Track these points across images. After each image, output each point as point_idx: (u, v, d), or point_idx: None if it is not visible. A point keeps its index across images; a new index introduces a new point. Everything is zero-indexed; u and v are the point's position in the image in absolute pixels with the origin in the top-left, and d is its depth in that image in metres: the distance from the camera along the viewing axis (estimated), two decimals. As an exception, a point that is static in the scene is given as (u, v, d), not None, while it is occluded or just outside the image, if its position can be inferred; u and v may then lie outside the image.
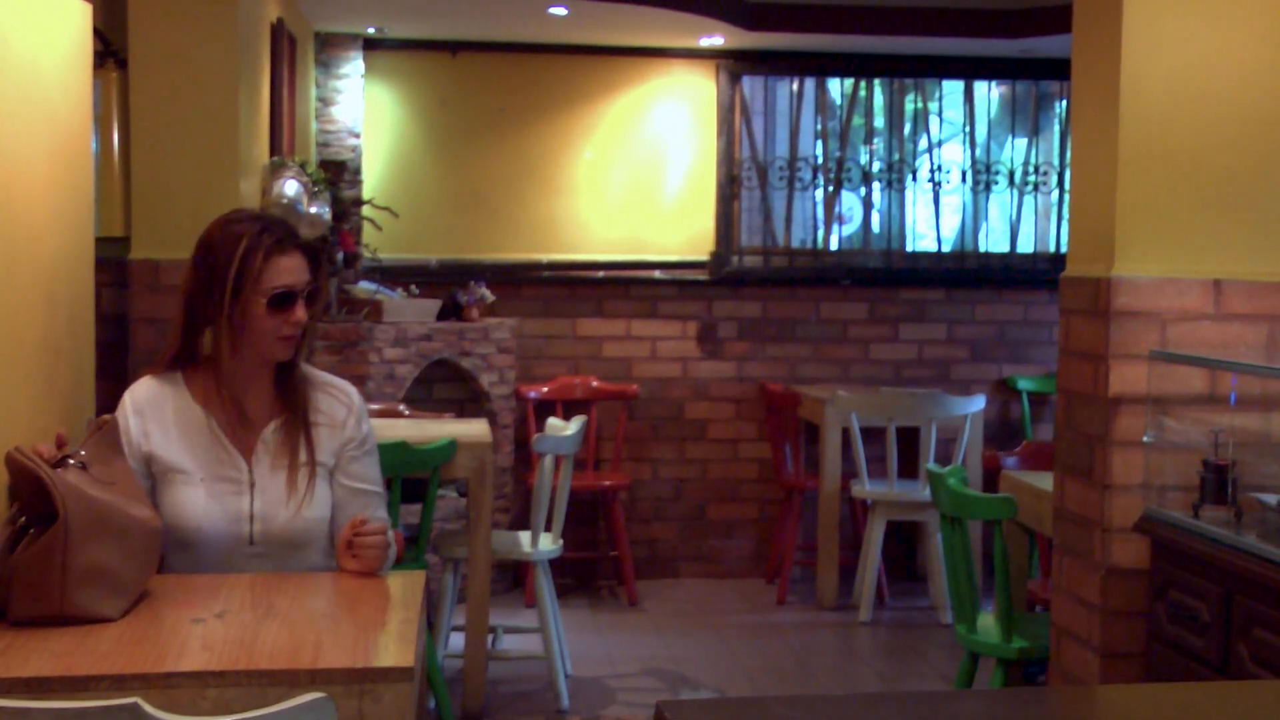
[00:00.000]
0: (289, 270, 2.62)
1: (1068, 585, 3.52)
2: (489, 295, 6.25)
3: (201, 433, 2.64)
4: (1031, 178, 7.02)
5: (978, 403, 5.99)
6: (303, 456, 2.67)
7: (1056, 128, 7.07)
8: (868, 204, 7.09)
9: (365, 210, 6.22)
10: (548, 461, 4.70)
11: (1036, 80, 6.96)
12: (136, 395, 2.67)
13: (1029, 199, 7.07)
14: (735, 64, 6.76)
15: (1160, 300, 3.32)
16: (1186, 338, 3.33)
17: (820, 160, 6.89)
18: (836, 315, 6.81)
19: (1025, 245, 7.11)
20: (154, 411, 2.65)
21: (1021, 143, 7.10)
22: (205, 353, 2.67)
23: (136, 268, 4.17)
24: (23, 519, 2.21)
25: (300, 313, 2.63)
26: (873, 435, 6.20)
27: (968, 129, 7.00)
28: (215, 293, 2.59)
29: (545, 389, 6.45)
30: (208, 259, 2.62)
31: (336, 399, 2.75)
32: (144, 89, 4.15)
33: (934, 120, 7.05)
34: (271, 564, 2.63)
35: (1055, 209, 7.04)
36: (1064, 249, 5.62)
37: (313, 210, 4.78)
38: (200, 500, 2.60)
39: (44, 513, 2.19)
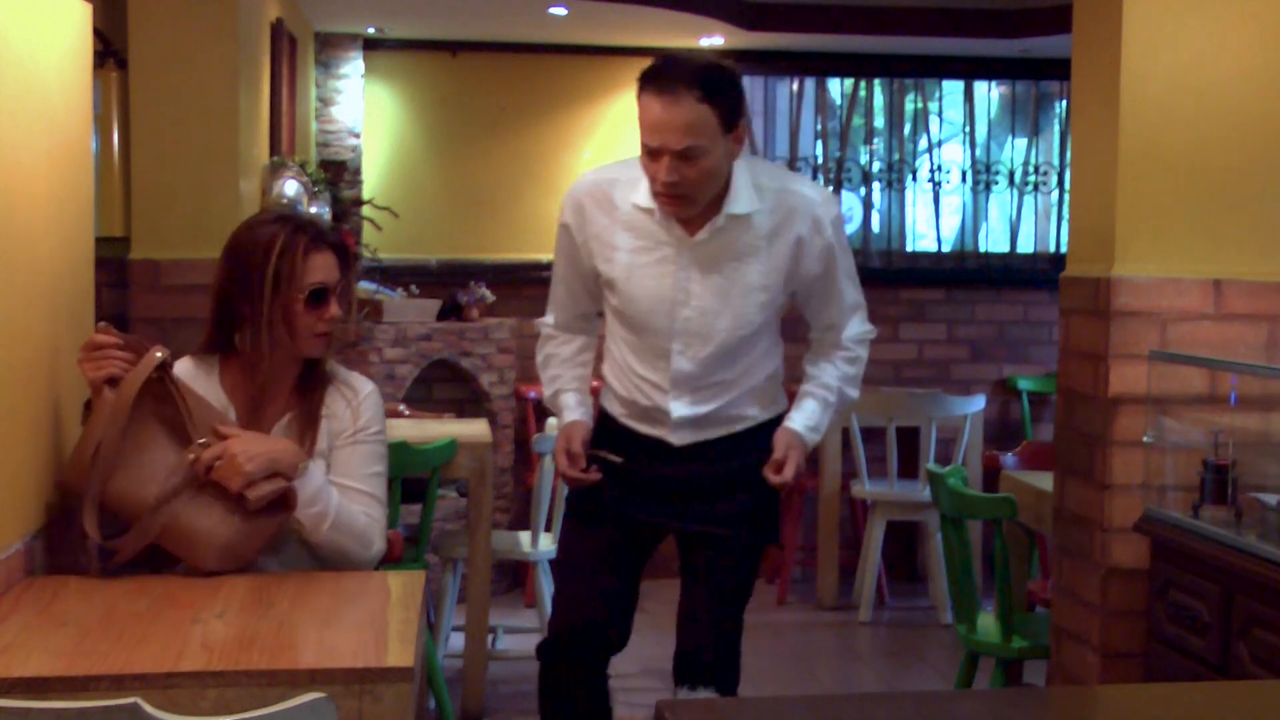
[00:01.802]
0: (323, 268, 2.65)
1: (1068, 585, 3.52)
2: (489, 295, 6.25)
3: (221, 422, 2.64)
4: (1031, 178, 7.02)
5: (978, 403, 5.99)
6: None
7: (1056, 128, 7.07)
8: (868, 204, 7.08)
9: (365, 210, 6.22)
10: (548, 461, 4.69)
11: (1036, 80, 6.96)
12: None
13: (1029, 199, 7.07)
14: (735, 64, 6.73)
15: (1160, 300, 3.32)
16: (1186, 338, 3.32)
17: (820, 160, 6.89)
18: (836, 315, 6.80)
19: (1025, 245, 7.11)
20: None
21: (1021, 143, 7.10)
22: (241, 347, 2.68)
23: (136, 268, 4.17)
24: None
25: (335, 309, 2.67)
26: (873, 435, 6.19)
27: (968, 129, 7.00)
28: (254, 291, 2.61)
29: (545, 389, 6.43)
30: (242, 258, 2.64)
31: (342, 394, 2.75)
32: (144, 89, 4.15)
33: (934, 120, 7.05)
34: (273, 560, 2.63)
35: (1055, 209, 7.04)
36: (1064, 249, 5.62)
37: (313, 210, 4.78)
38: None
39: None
